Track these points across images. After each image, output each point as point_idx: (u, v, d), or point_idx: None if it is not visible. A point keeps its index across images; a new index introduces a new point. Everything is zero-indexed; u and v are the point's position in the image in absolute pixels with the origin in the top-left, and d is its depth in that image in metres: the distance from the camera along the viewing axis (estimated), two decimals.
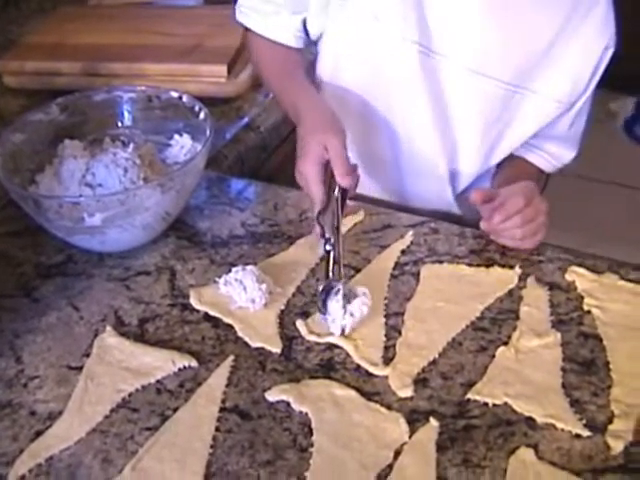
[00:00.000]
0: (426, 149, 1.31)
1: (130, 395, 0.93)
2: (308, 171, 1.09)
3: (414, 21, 1.19)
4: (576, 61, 1.21)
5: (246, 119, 1.56)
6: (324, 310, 1.00)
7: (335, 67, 1.33)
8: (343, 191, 1.08)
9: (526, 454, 0.85)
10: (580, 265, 1.09)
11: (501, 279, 1.08)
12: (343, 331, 0.99)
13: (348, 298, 0.99)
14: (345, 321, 0.98)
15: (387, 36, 1.22)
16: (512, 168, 1.37)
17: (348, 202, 1.12)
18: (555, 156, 1.38)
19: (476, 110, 1.26)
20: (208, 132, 1.15)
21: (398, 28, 1.21)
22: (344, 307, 0.98)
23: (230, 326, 1.02)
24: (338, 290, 0.99)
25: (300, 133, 1.15)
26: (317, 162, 1.08)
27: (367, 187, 1.32)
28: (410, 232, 1.16)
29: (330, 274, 1.02)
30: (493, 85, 1.22)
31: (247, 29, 1.36)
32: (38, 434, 0.88)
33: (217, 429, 0.88)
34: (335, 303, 0.99)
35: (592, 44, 1.21)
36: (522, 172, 1.34)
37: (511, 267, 1.10)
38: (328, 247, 1.03)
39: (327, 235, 1.04)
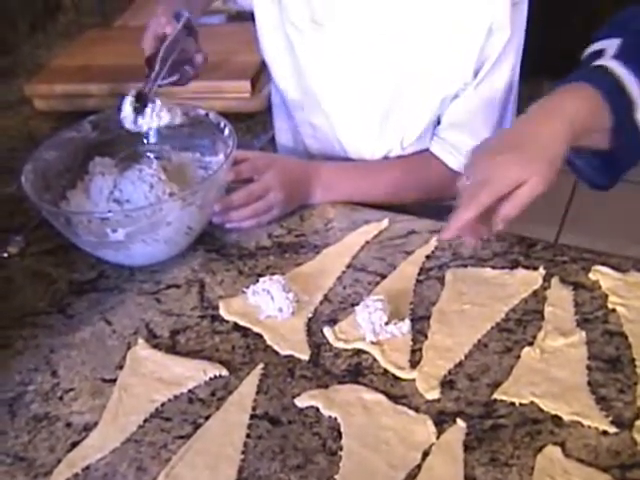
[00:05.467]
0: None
1: (163, 405, 0.95)
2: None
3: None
4: (456, 44, 1.22)
5: (271, 133, 1.58)
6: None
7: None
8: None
9: (553, 452, 0.85)
10: (604, 264, 1.09)
11: (525, 280, 1.09)
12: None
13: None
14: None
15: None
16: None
17: None
18: (455, 146, 1.32)
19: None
20: (230, 148, 1.18)
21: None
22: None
23: (259, 335, 1.04)
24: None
25: None
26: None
27: None
28: (434, 237, 1.17)
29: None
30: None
31: None
32: (74, 445, 0.91)
33: (248, 435, 0.90)
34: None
35: (471, 25, 1.20)
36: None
37: (535, 268, 1.10)
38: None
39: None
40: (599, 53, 1.08)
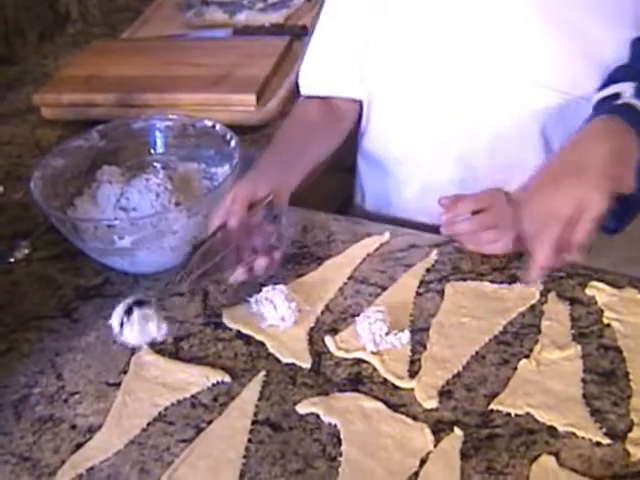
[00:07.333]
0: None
1: (166, 409, 0.97)
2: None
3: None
4: None
5: None
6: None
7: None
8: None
9: (548, 461, 0.87)
10: (600, 280, 1.11)
11: (523, 295, 1.10)
12: None
13: None
14: None
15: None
16: None
17: None
18: None
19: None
20: (236, 160, 1.20)
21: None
22: None
23: (261, 343, 1.06)
24: None
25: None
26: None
27: None
28: (435, 251, 1.19)
29: None
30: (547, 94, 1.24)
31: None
32: (79, 446, 0.93)
33: (250, 440, 0.92)
34: None
35: None
36: None
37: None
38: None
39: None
40: (614, 96, 1.09)
